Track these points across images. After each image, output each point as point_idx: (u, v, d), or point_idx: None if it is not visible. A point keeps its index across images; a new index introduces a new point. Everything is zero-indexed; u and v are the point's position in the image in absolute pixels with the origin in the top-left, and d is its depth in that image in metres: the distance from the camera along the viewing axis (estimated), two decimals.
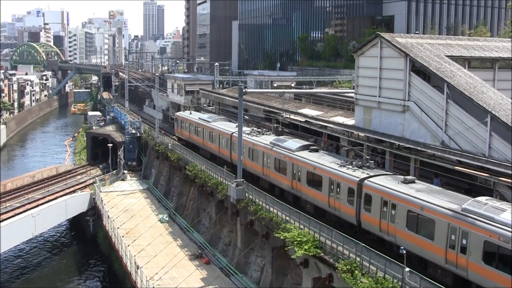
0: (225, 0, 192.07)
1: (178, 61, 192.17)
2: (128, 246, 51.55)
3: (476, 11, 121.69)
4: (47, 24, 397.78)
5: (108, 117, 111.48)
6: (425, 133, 38.30)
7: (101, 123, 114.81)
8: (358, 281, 28.88)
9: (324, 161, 40.20)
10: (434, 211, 28.71)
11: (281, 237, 36.32)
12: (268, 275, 41.85)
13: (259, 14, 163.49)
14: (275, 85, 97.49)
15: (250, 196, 44.28)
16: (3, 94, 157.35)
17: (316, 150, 43.75)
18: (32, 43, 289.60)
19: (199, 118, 67.24)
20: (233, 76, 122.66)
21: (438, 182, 36.96)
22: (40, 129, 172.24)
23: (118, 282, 55.81)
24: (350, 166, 37.73)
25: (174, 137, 77.77)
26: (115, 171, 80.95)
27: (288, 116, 57.07)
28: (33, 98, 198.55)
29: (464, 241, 26.80)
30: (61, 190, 72.48)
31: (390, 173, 37.17)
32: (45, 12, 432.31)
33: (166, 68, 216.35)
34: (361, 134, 44.50)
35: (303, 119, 54.28)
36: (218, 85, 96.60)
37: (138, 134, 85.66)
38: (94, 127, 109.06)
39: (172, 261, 47.48)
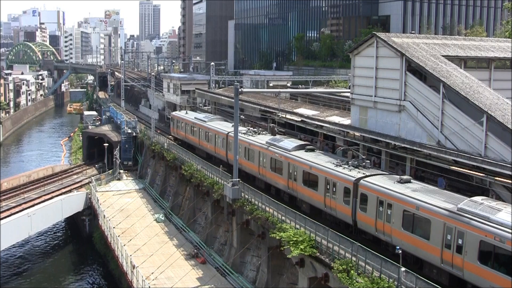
0: (221, 0, 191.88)
1: (174, 61, 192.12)
2: (124, 245, 51.50)
3: (472, 11, 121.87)
4: (43, 23, 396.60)
5: (104, 116, 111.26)
6: (421, 132, 38.34)
7: (97, 123, 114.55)
8: (354, 281, 28.90)
9: (320, 160, 40.21)
10: (429, 211, 28.74)
11: (277, 237, 36.33)
12: (264, 275, 41.85)
13: (255, 13, 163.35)
14: (271, 84, 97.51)
15: (246, 196, 44.27)
16: None
17: (312, 150, 43.76)
18: (28, 43, 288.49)
19: (195, 118, 67.21)
20: (229, 76, 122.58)
21: (442, 181, 37.02)
22: (36, 129, 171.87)
23: (114, 281, 55.75)
24: (346, 166, 37.75)
25: (170, 136, 77.69)
26: (111, 170, 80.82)
27: (284, 115, 57.07)
28: (29, 97, 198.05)
29: (460, 241, 26.84)
30: (57, 190, 72.29)
31: (386, 173, 37.20)
32: (41, 11, 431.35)
33: (162, 67, 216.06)
34: (357, 133, 44.55)
35: (299, 119, 54.29)
36: (214, 85, 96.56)
37: (134, 134, 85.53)
38: (90, 127, 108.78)
39: (168, 260, 47.45)
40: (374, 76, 42.19)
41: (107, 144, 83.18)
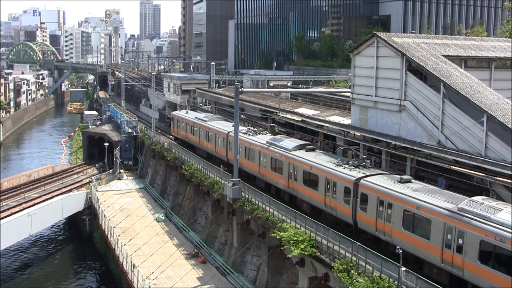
0: (222, 0, 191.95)
1: (174, 60, 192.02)
2: (124, 245, 51.49)
3: (473, 10, 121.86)
4: (43, 23, 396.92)
5: (104, 116, 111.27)
6: (422, 132, 38.34)
7: (97, 122, 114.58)
8: (354, 281, 28.90)
9: (320, 160, 40.20)
10: (430, 211, 28.73)
11: (277, 237, 36.32)
12: (264, 274, 41.85)
13: (255, 13, 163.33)
14: (271, 84, 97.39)
15: (246, 196, 44.27)
16: None
17: (313, 150, 43.75)
18: (28, 42, 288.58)
19: (195, 118, 67.21)
20: (229, 76, 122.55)
21: (442, 181, 37.08)
22: (36, 128, 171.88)
23: (114, 281, 55.76)
24: (347, 166, 37.73)
25: (170, 136, 77.67)
26: (111, 170, 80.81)
27: (284, 115, 57.07)
28: (29, 97, 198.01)
29: (460, 241, 26.83)
30: (57, 189, 72.32)
31: (386, 173, 37.19)
32: (41, 11, 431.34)
33: (162, 67, 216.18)
34: (357, 133, 44.53)
35: (299, 119, 54.29)
36: (214, 85, 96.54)
37: (134, 133, 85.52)
38: (90, 126, 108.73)
39: (168, 260, 47.44)
40: (375, 75, 42.19)
41: (107, 144, 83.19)
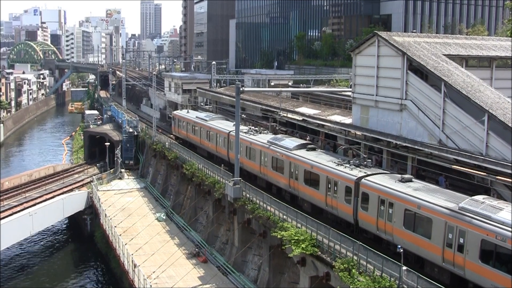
0: None
1: (175, 60, 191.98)
2: (126, 244, 51.48)
3: (474, 9, 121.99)
4: (44, 23, 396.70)
5: (105, 116, 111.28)
6: (423, 131, 38.32)
7: (98, 122, 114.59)
8: (355, 280, 28.90)
9: (321, 159, 40.19)
10: (431, 210, 28.72)
11: (278, 236, 36.32)
12: (266, 274, 41.84)
13: (256, 12, 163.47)
14: (272, 83, 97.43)
15: (247, 195, 44.25)
16: (0, 93, 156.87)
17: (314, 149, 43.74)
18: (29, 42, 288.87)
19: (196, 117, 67.21)
20: (230, 75, 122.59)
21: (443, 180, 37.08)
22: (37, 128, 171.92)
23: (115, 281, 55.77)
24: (348, 165, 37.73)
25: (171, 136, 77.66)
26: (112, 169, 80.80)
27: (285, 115, 57.05)
28: (30, 97, 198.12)
29: (461, 240, 26.82)
30: (59, 189, 72.33)
31: (387, 172, 37.17)
32: (42, 10, 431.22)
33: (163, 66, 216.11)
34: (358, 132, 44.50)
35: (300, 118, 54.28)
36: (215, 84, 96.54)
37: (135, 133, 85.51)
38: (91, 126, 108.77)
39: (170, 259, 47.43)
40: (376, 75, 42.16)
41: (108, 143, 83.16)
